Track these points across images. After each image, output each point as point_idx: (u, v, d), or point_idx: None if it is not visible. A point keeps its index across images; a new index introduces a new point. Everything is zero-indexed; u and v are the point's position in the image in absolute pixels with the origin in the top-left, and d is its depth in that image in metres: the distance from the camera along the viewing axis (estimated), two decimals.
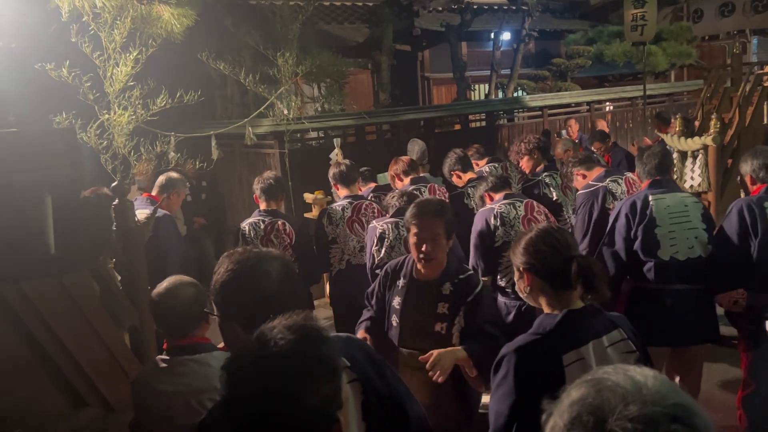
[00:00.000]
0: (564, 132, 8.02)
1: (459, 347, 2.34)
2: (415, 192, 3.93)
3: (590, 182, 3.91)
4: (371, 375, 1.49)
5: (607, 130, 7.77)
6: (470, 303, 2.43)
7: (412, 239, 2.47)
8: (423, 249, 2.41)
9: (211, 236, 6.77)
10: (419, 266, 2.51)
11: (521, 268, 1.86)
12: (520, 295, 1.94)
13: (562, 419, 0.80)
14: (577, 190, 4.49)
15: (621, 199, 3.60)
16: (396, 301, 2.55)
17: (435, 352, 2.25)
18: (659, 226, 3.04)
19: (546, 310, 1.83)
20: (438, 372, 2.22)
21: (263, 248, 1.61)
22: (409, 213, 2.53)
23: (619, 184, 3.86)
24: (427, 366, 2.22)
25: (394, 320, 2.55)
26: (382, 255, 3.39)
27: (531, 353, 1.70)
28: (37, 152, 1.85)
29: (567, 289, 1.77)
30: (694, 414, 0.77)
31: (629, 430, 0.73)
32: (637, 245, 3.09)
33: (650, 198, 3.11)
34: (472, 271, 2.57)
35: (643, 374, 0.81)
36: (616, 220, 3.22)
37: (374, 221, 3.56)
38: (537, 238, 1.85)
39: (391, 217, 3.48)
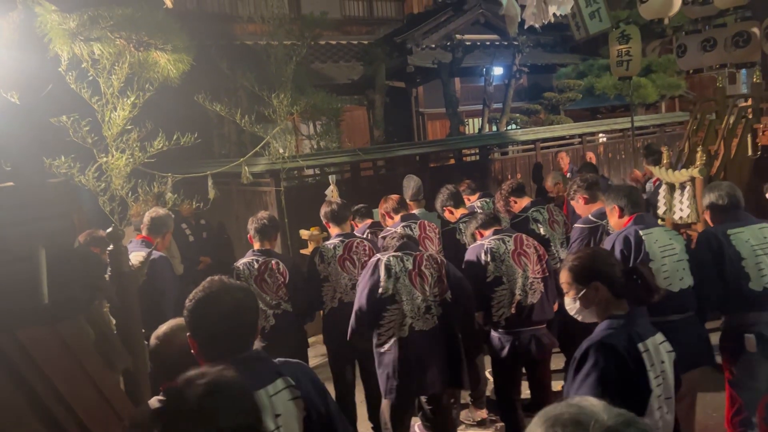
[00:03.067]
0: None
1: None
2: (411, 235, 3.82)
3: (590, 217, 3.84)
4: (313, 395, 1.73)
5: (594, 161, 7.89)
6: None
7: None
8: None
9: (220, 272, 6.80)
10: None
11: (592, 283, 2.07)
12: (575, 314, 2.14)
13: None
14: (565, 223, 4.56)
15: None
16: None
17: None
18: (652, 261, 3.09)
19: (603, 318, 2.08)
20: None
21: (241, 283, 1.83)
22: None
23: None
24: None
25: None
26: (388, 287, 3.31)
27: (615, 342, 1.94)
28: (32, 204, 1.92)
29: (624, 297, 2.08)
30: (637, 421, 0.91)
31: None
32: None
33: (641, 233, 3.16)
34: None
35: (592, 402, 0.94)
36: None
37: (378, 254, 3.51)
38: (597, 254, 2.18)
39: (395, 251, 3.42)
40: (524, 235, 3.74)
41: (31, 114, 2.34)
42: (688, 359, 3.15)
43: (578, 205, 3.96)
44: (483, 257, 3.60)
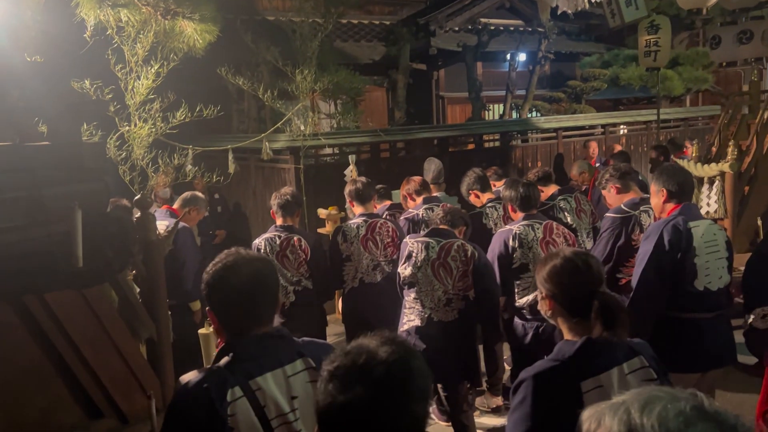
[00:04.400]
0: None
1: None
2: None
3: (623, 206, 3.70)
4: None
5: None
6: None
7: None
8: None
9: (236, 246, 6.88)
10: None
11: (543, 294, 1.86)
12: (543, 315, 1.92)
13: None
14: (592, 212, 4.48)
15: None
16: None
17: None
18: (698, 256, 2.94)
19: (566, 335, 1.82)
20: None
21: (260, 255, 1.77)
22: None
23: (649, 215, 3.64)
24: None
25: None
26: (407, 273, 3.35)
27: (549, 379, 1.69)
28: (68, 165, 1.88)
29: (587, 318, 1.76)
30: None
31: None
32: (678, 273, 2.98)
33: (689, 225, 2.97)
34: None
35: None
36: (660, 245, 2.96)
37: (407, 237, 3.51)
38: (561, 268, 1.82)
39: (424, 236, 3.39)
40: (555, 223, 3.66)
41: (64, 76, 2.28)
42: (714, 358, 3.10)
43: (609, 194, 3.83)
44: (510, 243, 3.53)
